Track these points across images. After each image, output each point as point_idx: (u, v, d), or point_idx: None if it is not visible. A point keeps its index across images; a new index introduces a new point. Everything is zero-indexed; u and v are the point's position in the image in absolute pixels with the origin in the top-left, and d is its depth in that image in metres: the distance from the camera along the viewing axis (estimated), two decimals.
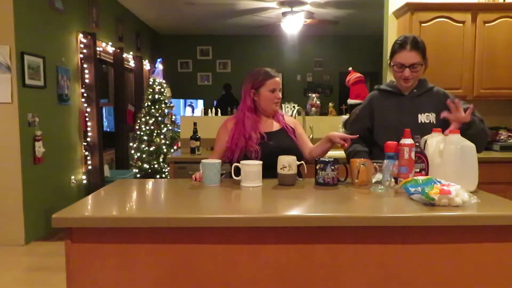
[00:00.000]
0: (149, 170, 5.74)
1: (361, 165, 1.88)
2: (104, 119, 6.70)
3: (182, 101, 8.69)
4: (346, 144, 2.04)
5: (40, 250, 3.86)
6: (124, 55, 6.53)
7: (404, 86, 2.16)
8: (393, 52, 2.12)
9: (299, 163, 1.97)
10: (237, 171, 1.96)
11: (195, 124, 3.79)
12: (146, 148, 5.78)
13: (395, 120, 2.14)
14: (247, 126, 2.20)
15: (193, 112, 8.58)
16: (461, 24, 3.60)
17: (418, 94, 2.17)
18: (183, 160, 3.63)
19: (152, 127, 5.82)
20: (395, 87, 2.21)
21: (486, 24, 3.61)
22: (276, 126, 2.30)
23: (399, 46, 2.09)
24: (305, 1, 6.65)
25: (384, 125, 2.19)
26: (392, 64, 2.13)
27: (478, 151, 1.83)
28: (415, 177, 1.64)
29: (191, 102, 8.80)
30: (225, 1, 6.69)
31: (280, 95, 2.27)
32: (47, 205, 4.28)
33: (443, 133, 1.87)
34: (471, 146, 1.77)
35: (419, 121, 2.12)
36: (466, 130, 1.91)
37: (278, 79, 2.26)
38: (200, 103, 8.95)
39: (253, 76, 2.27)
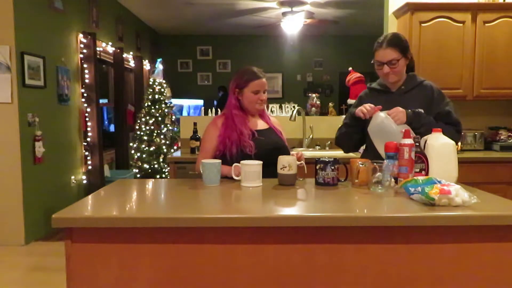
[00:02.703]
0: (149, 170, 5.74)
1: (361, 165, 1.88)
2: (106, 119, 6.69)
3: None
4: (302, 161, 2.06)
5: (40, 250, 3.86)
6: (124, 55, 6.53)
7: (389, 83, 2.21)
8: (374, 51, 2.19)
9: (299, 163, 1.97)
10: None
11: (195, 124, 3.80)
12: (146, 148, 5.78)
13: None
14: (237, 123, 2.19)
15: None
16: (461, 24, 3.60)
17: (406, 90, 2.21)
18: (183, 160, 3.63)
19: (152, 127, 5.82)
20: (384, 85, 2.26)
21: (486, 24, 3.60)
22: (263, 125, 2.30)
23: (377, 45, 2.17)
24: (305, 1, 6.65)
25: None
26: (373, 62, 2.20)
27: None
28: (415, 177, 1.64)
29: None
30: (225, 1, 6.69)
31: (264, 96, 2.24)
32: (47, 205, 4.27)
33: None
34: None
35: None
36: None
37: (264, 80, 2.24)
38: (194, 102, 8.79)
39: (238, 75, 2.26)
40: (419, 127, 2.01)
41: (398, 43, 2.13)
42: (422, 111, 2.08)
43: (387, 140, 1.87)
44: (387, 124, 1.98)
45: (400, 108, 2.01)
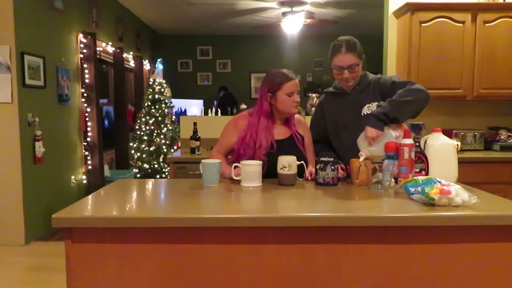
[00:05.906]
0: (149, 170, 5.74)
1: (361, 165, 1.88)
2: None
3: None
4: (309, 178, 2.05)
5: (40, 250, 3.86)
6: (124, 55, 6.53)
7: (347, 86, 2.21)
8: (331, 56, 2.17)
9: (299, 163, 1.97)
10: None
11: (195, 124, 3.80)
12: (146, 148, 5.78)
13: (342, 118, 2.22)
14: (260, 134, 2.12)
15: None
16: (461, 24, 3.60)
17: (360, 90, 2.21)
18: (183, 160, 3.63)
19: (152, 127, 5.82)
20: (340, 88, 2.27)
21: (486, 24, 3.60)
22: (285, 133, 2.22)
23: (335, 50, 2.14)
24: (305, 1, 6.65)
25: (334, 125, 2.26)
26: (332, 67, 2.17)
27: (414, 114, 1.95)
28: (415, 177, 1.64)
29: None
30: (225, 1, 6.69)
31: (298, 98, 2.17)
32: (47, 205, 4.27)
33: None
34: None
35: (362, 114, 2.15)
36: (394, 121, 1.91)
37: (297, 81, 2.17)
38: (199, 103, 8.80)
39: (269, 79, 2.18)
40: (393, 116, 1.89)
41: (356, 47, 2.12)
42: (380, 104, 1.98)
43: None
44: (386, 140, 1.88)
45: (368, 130, 1.88)
